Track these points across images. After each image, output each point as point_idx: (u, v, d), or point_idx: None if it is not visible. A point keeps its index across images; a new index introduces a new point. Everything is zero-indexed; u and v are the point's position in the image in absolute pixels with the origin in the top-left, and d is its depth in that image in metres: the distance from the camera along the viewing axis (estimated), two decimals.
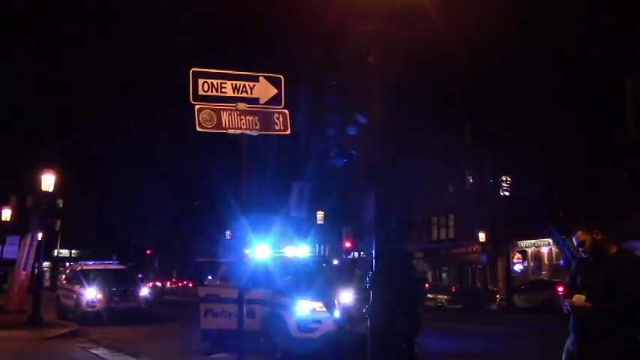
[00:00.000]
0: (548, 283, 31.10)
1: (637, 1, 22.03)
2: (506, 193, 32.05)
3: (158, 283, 54.31)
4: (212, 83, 7.39)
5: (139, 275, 30.40)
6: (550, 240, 33.55)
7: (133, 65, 20.37)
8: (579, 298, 4.96)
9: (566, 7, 21.23)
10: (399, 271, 5.78)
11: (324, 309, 11.82)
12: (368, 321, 5.78)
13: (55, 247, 57.43)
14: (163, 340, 15.15)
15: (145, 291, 21.61)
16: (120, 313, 19.45)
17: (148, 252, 67.03)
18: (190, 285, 50.60)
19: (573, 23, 21.97)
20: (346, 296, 12.03)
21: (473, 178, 41.57)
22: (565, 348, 5.15)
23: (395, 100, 6.11)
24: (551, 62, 23.81)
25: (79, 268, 22.33)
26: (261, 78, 7.44)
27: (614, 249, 5.11)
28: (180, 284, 59.93)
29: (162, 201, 54.89)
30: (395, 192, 5.91)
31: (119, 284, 20.57)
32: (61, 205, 56.04)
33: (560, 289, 30.08)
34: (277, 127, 7.37)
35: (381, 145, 5.83)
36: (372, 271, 6.01)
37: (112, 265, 24.56)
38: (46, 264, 58.39)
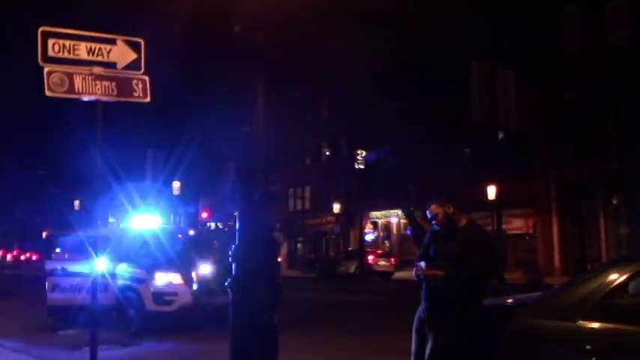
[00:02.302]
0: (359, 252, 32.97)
1: None
2: (361, 166, 33.24)
3: None
4: (64, 44, 6.88)
5: None
6: (399, 211, 35.36)
7: None
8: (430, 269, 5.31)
9: None
10: (261, 242, 5.78)
11: (181, 281, 11.65)
12: (229, 293, 5.76)
13: None
14: (3, 318, 14.15)
15: None
16: None
17: None
18: (34, 258, 47.65)
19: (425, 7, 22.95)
20: (205, 268, 11.94)
21: (329, 151, 42.64)
22: (416, 315, 5.48)
23: (259, 70, 6.05)
24: (404, 40, 24.76)
25: None
26: (118, 41, 7.04)
27: (463, 221, 5.49)
28: (22, 257, 56.16)
29: (4, 167, 50.91)
30: (260, 162, 5.89)
31: None
32: None
33: (371, 257, 32.31)
34: (136, 94, 7.03)
35: (247, 116, 5.76)
36: (233, 243, 5.98)
37: None
38: None
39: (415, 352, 5.43)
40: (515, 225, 29.97)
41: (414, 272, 5.51)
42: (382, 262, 32.60)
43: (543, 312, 4.76)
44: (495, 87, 20.46)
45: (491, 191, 26.39)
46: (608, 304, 4.59)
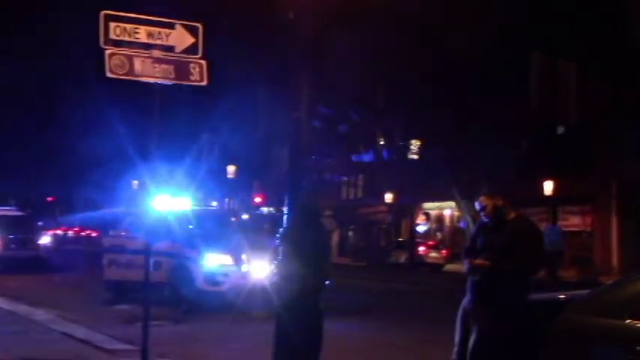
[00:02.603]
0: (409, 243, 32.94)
1: None
2: (415, 157, 32.97)
3: (59, 232, 52.41)
4: (125, 27, 7.08)
5: (39, 223, 29.26)
6: (452, 203, 34.94)
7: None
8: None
9: None
10: (310, 226, 5.86)
11: (232, 262, 11.88)
12: (276, 275, 5.87)
13: None
14: (64, 290, 14.77)
15: (45, 239, 20.86)
16: (18, 261, 18.73)
17: (50, 199, 64.46)
18: (94, 235, 49.22)
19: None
20: (255, 251, 12.10)
21: (384, 141, 42.41)
22: (461, 306, 5.47)
23: (311, 57, 6.12)
24: (460, 32, 24.35)
25: None
26: (177, 25, 7.18)
27: (512, 214, 5.43)
28: (83, 233, 58.12)
29: (66, 148, 52.68)
30: (310, 148, 5.96)
31: (17, 231, 19.76)
32: None
33: (422, 248, 32.10)
34: (193, 78, 7.17)
35: (300, 103, 5.83)
36: (282, 225, 6.08)
37: (10, 211, 23.43)
38: None
39: (459, 342, 5.44)
40: (572, 222, 29.20)
41: (464, 266, 5.49)
42: (433, 254, 32.38)
43: (592, 309, 4.68)
44: (556, 79, 19.90)
45: (548, 186, 25.78)
46: None
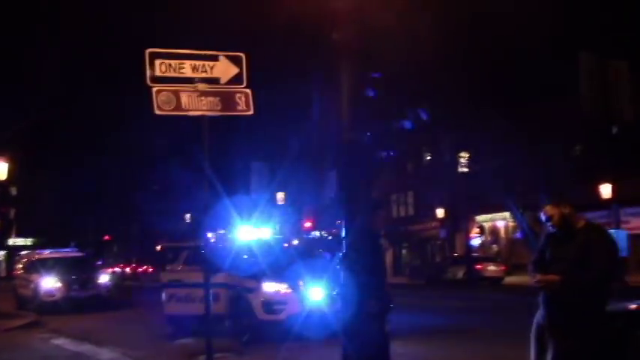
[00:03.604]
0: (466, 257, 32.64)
1: None
2: (465, 169, 32.48)
3: (118, 269, 53.50)
4: (169, 64, 7.17)
5: (99, 262, 29.88)
6: (506, 214, 34.20)
7: (85, 49, 19.82)
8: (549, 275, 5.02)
9: None
10: (369, 250, 5.73)
11: (289, 290, 11.78)
12: (339, 301, 5.74)
13: (10, 236, 56.00)
14: (127, 327, 14.92)
15: (105, 278, 21.21)
16: (80, 301, 19.07)
17: (106, 238, 66.01)
18: (151, 270, 50.02)
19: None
20: (311, 277, 11.99)
21: (430, 155, 41.99)
22: (535, 321, 5.21)
23: (364, 77, 6.02)
24: (502, 38, 24.01)
25: (36, 256, 21.77)
26: (221, 57, 7.24)
27: (581, 222, 5.17)
28: (140, 270, 59.18)
29: (120, 186, 53.99)
30: (365, 170, 5.85)
31: (78, 272, 20.16)
32: (15, 193, 54.56)
33: (479, 266, 31.73)
34: (239, 108, 7.21)
35: (351, 123, 5.74)
36: (341, 251, 5.96)
37: (70, 252, 23.98)
38: (0, 253, 56.90)
39: (535, 359, 5.17)
40: (635, 224, 28.17)
41: (532, 279, 5.23)
42: (491, 268, 31.72)
43: None
44: (607, 78, 19.31)
45: (606, 189, 24.97)
46: None
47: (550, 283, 4.98)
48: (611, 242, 5.21)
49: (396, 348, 5.93)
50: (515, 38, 22.20)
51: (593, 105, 19.16)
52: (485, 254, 35.18)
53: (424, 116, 33.70)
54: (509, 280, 30.70)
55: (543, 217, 5.30)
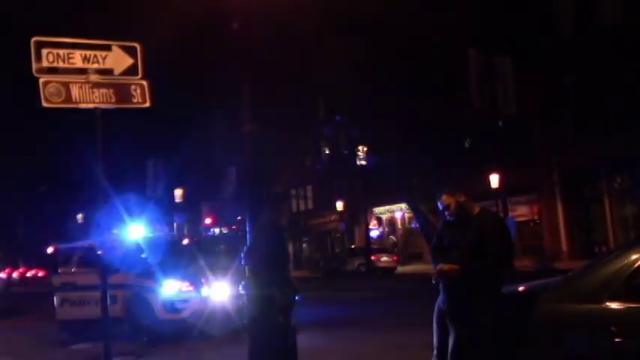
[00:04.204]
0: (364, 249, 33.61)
1: None
2: (363, 163, 33.10)
3: (3, 275, 50.33)
4: (58, 53, 6.75)
5: None
6: (402, 205, 35.19)
7: None
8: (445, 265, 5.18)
9: None
10: (273, 243, 5.68)
11: (191, 288, 11.54)
12: (244, 296, 5.65)
13: None
14: (16, 336, 14.03)
15: None
16: None
17: None
18: (41, 274, 47.53)
19: None
20: (212, 273, 11.79)
21: (328, 150, 42.48)
22: (436, 306, 5.36)
23: (261, 72, 5.96)
24: (397, 36, 24.60)
25: None
26: (114, 47, 6.91)
27: (477, 209, 5.37)
28: (28, 274, 56.08)
29: (3, 185, 50.70)
30: (264, 164, 5.78)
31: None
32: None
33: (373, 257, 32.79)
34: (135, 100, 6.91)
35: (251, 117, 5.65)
36: (240, 246, 5.88)
37: None
38: None
39: (437, 344, 5.31)
40: (521, 212, 29.82)
41: (433, 268, 5.37)
42: (385, 258, 32.94)
43: (568, 296, 4.65)
44: (493, 74, 20.30)
45: (494, 180, 26.25)
46: (632, 284, 4.49)
47: (450, 272, 5.13)
48: (505, 227, 5.44)
49: (301, 341, 5.91)
50: (408, 33, 22.77)
51: (481, 99, 20.06)
52: (380, 246, 36.11)
53: (338, 118, 34.03)
54: (402, 269, 31.80)
55: (440, 206, 5.46)
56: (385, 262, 32.48)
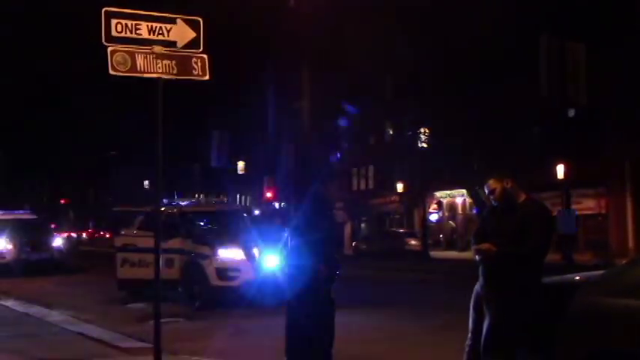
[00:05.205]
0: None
1: None
2: (425, 145, 32.78)
3: (73, 234, 52.75)
4: (126, 24, 7.00)
5: (52, 225, 29.44)
6: (464, 190, 34.75)
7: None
8: (485, 245, 5.18)
9: None
10: (320, 215, 5.81)
11: (244, 257, 11.85)
12: (287, 266, 5.83)
13: None
14: (78, 291, 14.82)
15: (58, 241, 20.95)
16: (32, 264, 18.83)
17: (62, 202, 64.90)
18: (108, 236, 49.54)
19: None
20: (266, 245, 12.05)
21: (393, 131, 42.23)
22: (474, 291, 5.38)
23: (320, 50, 6.06)
24: (468, 19, 24.14)
25: None
26: (178, 20, 7.11)
27: (522, 197, 5.32)
28: (96, 235, 58.54)
29: (77, 151, 52.89)
30: (315, 142, 5.90)
31: (30, 235, 19.87)
32: None
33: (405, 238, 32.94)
34: (195, 72, 7.11)
35: (307, 95, 5.77)
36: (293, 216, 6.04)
37: (23, 214, 23.54)
38: None
39: (472, 328, 5.34)
40: (587, 205, 28.94)
41: (472, 249, 5.39)
42: (413, 242, 33.98)
43: (608, 289, 4.60)
44: (565, 61, 19.62)
45: (560, 170, 25.56)
46: None
47: (486, 252, 5.14)
48: (549, 219, 5.38)
49: (344, 316, 6.05)
50: (476, 17, 22.33)
51: (550, 87, 19.48)
52: (438, 230, 36.37)
53: (352, 111, 33.96)
54: (460, 255, 31.49)
55: (486, 191, 5.45)
56: (413, 245, 33.65)
